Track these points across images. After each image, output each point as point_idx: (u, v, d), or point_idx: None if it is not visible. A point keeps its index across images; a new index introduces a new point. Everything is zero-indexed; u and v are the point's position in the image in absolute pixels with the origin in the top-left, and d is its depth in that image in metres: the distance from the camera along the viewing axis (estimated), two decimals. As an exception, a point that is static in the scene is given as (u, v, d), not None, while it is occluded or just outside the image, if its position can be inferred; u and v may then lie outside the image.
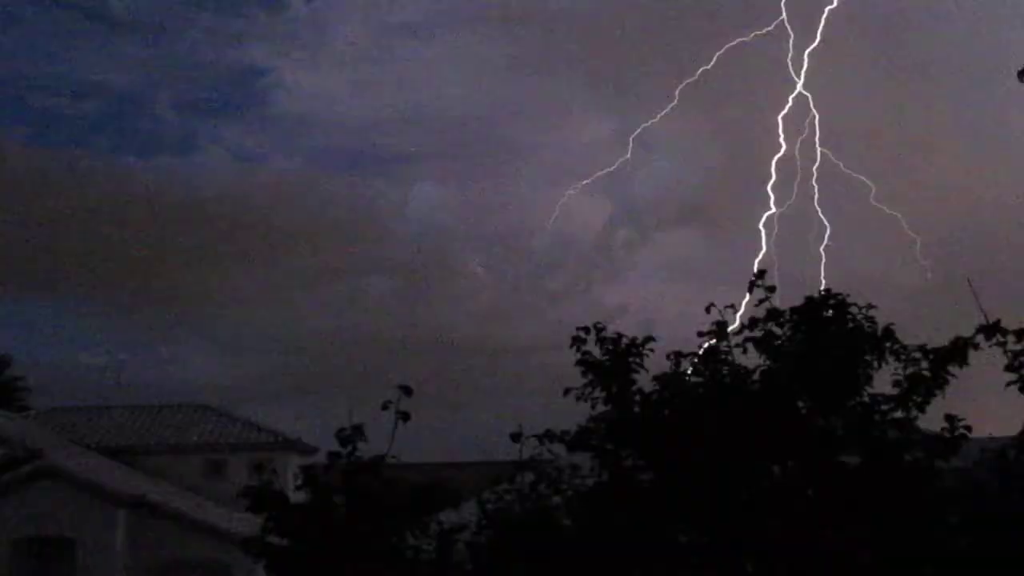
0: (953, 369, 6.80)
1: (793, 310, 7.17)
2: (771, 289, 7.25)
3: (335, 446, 6.58)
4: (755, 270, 7.32)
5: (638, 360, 7.21)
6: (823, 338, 7.01)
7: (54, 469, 24.72)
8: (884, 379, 7.03)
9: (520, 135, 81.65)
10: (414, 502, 6.73)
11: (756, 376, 7.07)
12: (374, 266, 73.88)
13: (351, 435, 6.43)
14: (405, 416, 6.32)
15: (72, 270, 63.40)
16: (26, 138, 73.14)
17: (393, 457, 6.50)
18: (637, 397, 7.18)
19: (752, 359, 7.19)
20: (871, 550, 6.64)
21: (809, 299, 7.16)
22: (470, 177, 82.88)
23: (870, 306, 7.10)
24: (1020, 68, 5.58)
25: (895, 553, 6.55)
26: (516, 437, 7.03)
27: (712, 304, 7.24)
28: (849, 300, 7.13)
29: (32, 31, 78.27)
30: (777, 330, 7.16)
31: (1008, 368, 6.40)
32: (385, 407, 6.26)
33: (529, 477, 7.55)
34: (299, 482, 6.47)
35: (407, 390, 6.32)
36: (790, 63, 24.74)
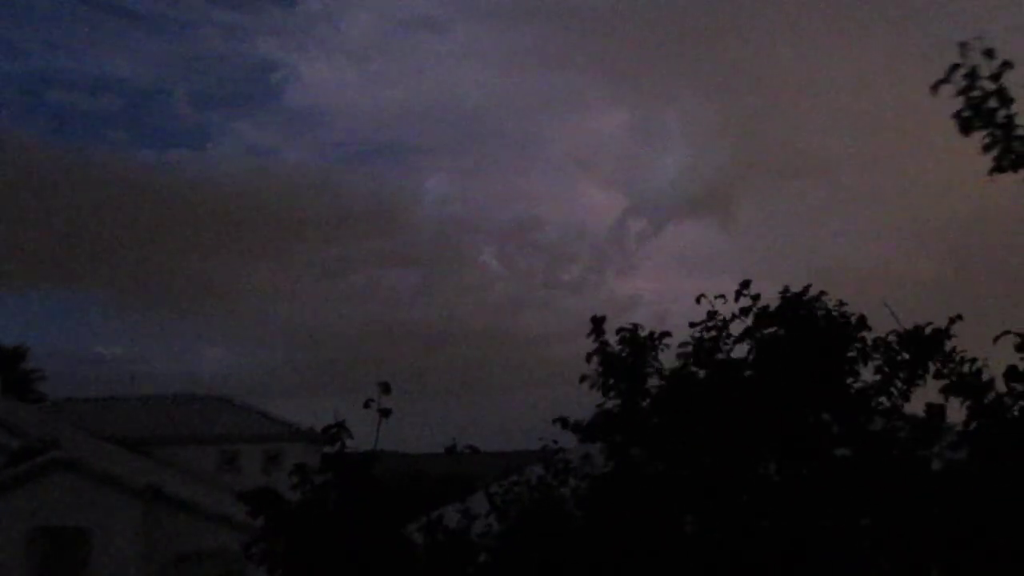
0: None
1: (771, 313, 7.23)
2: (756, 298, 7.25)
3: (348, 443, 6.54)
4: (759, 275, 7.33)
5: (654, 354, 7.18)
6: (798, 338, 7.10)
7: (69, 459, 24.87)
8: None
9: (534, 127, 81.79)
10: (413, 496, 6.72)
11: (748, 369, 7.11)
12: (389, 258, 74.18)
13: (336, 432, 6.43)
14: (386, 412, 6.31)
15: (88, 262, 63.94)
16: (44, 132, 73.72)
17: (378, 452, 6.50)
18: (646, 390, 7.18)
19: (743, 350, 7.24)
20: (872, 541, 6.65)
21: (783, 299, 7.24)
22: (484, 169, 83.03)
23: (841, 303, 7.20)
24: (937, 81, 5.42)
25: (896, 543, 6.57)
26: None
27: (703, 295, 7.23)
28: (823, 297, 7.20)
29: (49, 26, 78.87)
30: (752, 332, 7.21)
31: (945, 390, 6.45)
32: (367, 405, 6.25)
33: (538, 469, 7.57)
34: (294, 481, 6.47)
35: (386, 387, 6.32)
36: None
